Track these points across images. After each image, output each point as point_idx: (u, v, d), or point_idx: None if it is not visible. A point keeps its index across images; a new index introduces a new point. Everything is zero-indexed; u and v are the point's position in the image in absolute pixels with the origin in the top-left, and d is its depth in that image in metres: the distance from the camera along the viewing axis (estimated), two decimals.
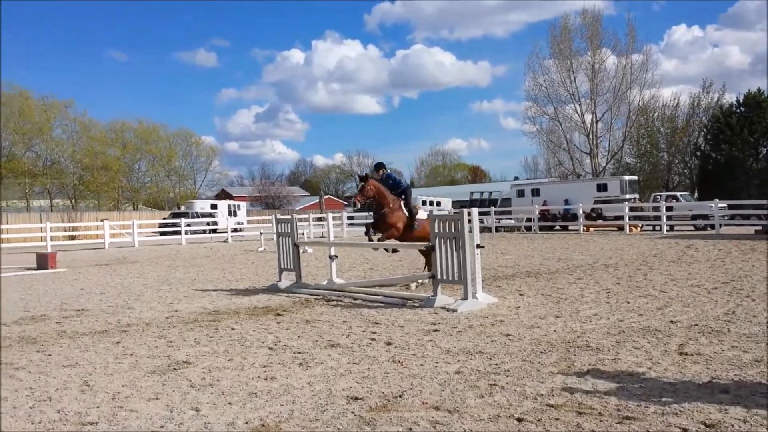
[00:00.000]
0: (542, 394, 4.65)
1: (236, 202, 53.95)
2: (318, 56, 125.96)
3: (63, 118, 54.74)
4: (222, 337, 7.30)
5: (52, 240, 29.67)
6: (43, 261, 17.89)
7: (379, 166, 11.41)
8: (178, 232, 33.71)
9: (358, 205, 11.00)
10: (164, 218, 43.31)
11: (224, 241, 33.27)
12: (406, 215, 10.73)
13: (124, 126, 63.43)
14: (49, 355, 6.70)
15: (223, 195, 76.13)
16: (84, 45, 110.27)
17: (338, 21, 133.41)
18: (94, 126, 58.74)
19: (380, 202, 10.61)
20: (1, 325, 8.19)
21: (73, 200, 55.52)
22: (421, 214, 10.99)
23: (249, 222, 45.66)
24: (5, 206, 48.92)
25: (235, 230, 38.01)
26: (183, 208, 51.02)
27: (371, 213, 11.26)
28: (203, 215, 45.00)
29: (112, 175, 57.06)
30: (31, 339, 7.58)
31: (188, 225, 35.55)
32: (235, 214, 47.61)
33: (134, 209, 59.72)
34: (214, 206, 49.48)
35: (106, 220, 33.96)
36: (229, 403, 4.75)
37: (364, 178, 10.72)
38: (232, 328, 7.83)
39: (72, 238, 37.09)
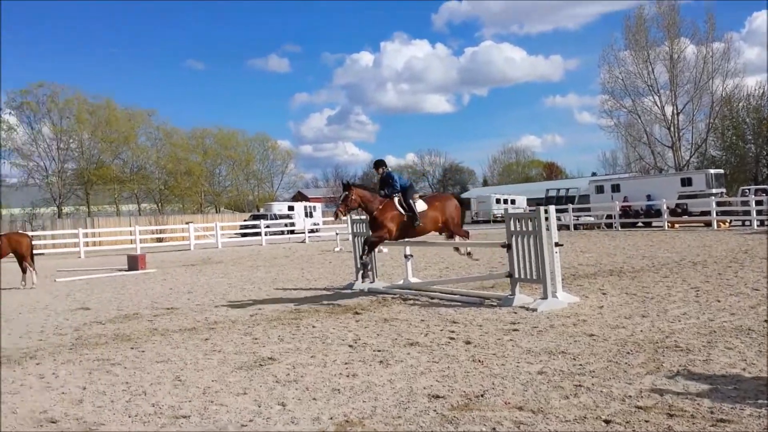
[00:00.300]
0: (630, 396, 4.52)
1: (312, 204, 55.02)
2: (387, 57, 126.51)
3: (147, 127, 57.29)
4: (304, 335, 7.48)
5: (141, 242, 31.17)
6: (134, 262, 18.81)
7: (379, 164, 10.63)
8: (258, 234, 34.74)
9: (342, 217, 10.12)
10: (245, 220, 44.71)
11: (302, 242, 33.99)
12: (401, 212, 10.01)
13: (204, 132, 65.76)
14: (143, 351, 7.06)
15: (300, 197, 77.79)
16: (164, 56, 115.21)
17: (406, 22, 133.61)
18: (176, 133, 61.16)
19: (368, 207, 10.01)
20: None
21: (160, 204, 58.02)
22: (420, 205, 10.21)
23: (324, 223, 46.43)
24: (96, 211, 51.70)
25: (312, 231, 38.74)
26: (262, 210, 52.49)
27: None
28: (281, 217, 46.13)
29: (194, 179, 59.25)
30: (126, 336, 8.01)
31: (267, 226, 36.55)
32: (311, 215, 48.55)
33: (216, 212, 61.85)
34: (291, 208, 50.62)
35: (191, 222, 35.34)
36: (314, 399, 4.87)
37: (347, 187, 10.03)
38: (313, 326, 8.01)
39: (159, 240, 38.91)
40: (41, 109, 49.40)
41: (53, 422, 4.65)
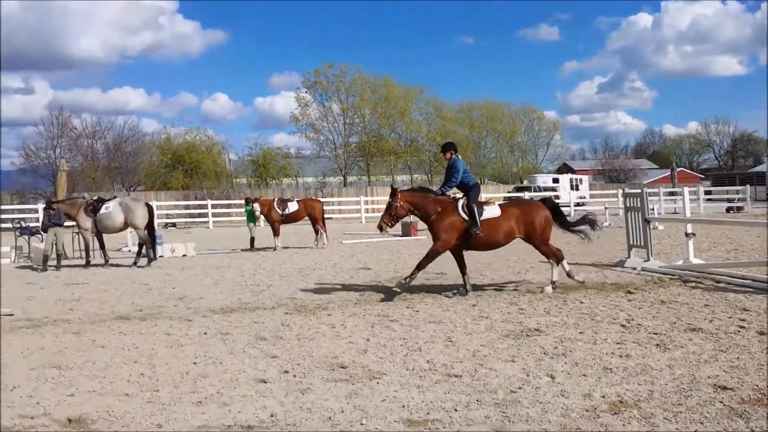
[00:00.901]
0: None
1: (578, 176, 52.98)
2: (668, 17, 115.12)
3: (419, 102, 60.45)
4: (571, 310, 7.34)
5: None
6: (407, 229, 20.18)
7: (447, 147, 9.46)
8: None
9: (387, 229, 8.86)
10: (509, 192, 44.92)
11: (566, 215, 33.05)
12: (463, 218, 8.71)
13: (471, 106, 67.31)
14: (417, 311, 7.59)
15: (565, 169, 75.39)
16: (439, 34, 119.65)
17: None
18: (445, 107, 63.47)
19: (422, 212, 8.84)
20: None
21: (429, 175, 61.08)
22: (491, 211, 8.97)
23: (591, 196, 44.51)
24: (375, 180, 56.32)
25: (578, 204, 37.41)
26: (526, 182, 52.13)
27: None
28: (545, 189, 45.27)
29: (461, 151, 60.95)
30: (402, 296, 8.66)
31: (531, 198, 36.28)
32: (577, 188, 46.82)
33: (481, 183, 62.93)
34: (555, 180, 49.38)
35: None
36: (584, 375, 4.77)
37: (393, 193, 8.87)
38: (581, 302, 7.82)
39: None
40: (331, 87, 55.08)
41: (343, 367, 5.25)
